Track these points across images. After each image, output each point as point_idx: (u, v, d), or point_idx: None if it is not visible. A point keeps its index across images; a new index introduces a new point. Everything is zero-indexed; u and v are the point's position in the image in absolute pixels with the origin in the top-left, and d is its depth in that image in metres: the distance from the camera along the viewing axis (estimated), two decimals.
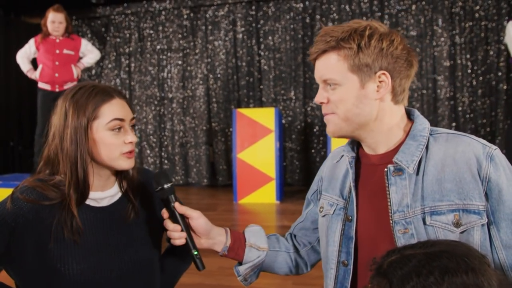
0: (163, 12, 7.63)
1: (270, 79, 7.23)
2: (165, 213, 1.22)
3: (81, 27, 8.03)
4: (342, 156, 1.24)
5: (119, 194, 1.29)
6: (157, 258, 1.33)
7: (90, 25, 7.99)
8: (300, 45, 7.05)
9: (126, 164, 1.23)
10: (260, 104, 7.27)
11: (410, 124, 1.14)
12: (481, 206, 1.01)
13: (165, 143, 7.76)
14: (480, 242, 1.01)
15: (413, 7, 6.67)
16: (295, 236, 1.42)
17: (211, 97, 7.47)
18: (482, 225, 1.01)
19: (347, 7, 6.87)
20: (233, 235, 1.31)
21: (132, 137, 1.21)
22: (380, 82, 1.08)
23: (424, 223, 1.03)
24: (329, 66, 1.10)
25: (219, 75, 7.40)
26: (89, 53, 4.70)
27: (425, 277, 0.73)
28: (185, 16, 7.53)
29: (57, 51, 4.46)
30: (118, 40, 7.91)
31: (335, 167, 1.27)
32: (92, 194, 1.23)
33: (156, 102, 7.78)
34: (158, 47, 7.69)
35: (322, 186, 1.30)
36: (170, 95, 7.70)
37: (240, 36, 7.28)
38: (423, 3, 6.63)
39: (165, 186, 1.21)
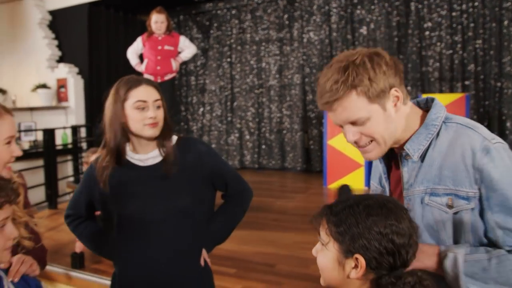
0: (262, 5, 8.29)
1: None
2: None
3: (187, 22, 8.98)
4: None
5: (161, 157, 1.72)
6: (201, 210, 1.77)
7: (195, 20, 8.94)
8: (395, 33, 7.28)
9: (149, 133, 1.66)
10: None
11: (426, 114, 1.28)
12: (471, 193, 1.16)
13: (263, 129, 8.47)
14: (471, 224, 1.18)
15: None
16: None
17: (306, 85, 8.00)
18: (472, 209, 1.17)
19: None
20: None
21: (152, 113, 1.64)
22: (395, 97, 1.22)
23: (422, 202, 1.23)
24: (352, 108, 1.19)
25: (314, 65, 7.88)
26: (187, 48, 5.39)
27: (355, 208, 1.02)
28: (282, 8, 8.12)
29: (159, 47, 5.16)
30: (220, 33, 8.76)
31: None
32: (137, 156, 1.72)
33: (255, 91, 8.51)
34: (257, 38, 8.39)
35: (372, 173, 1.53)
36: (267, 84, 8.37)
37: (335, 26, 7.71)
38: None
39: None
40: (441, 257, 1.17)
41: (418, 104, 1.36)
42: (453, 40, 6.97)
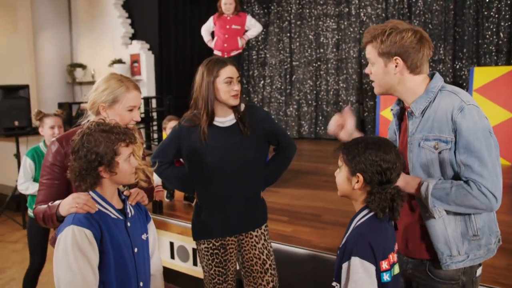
0: None
1: None
2: None
3: None
4: (392, 109, 1.98)
5: (235, 120, 2.33)
6: (261, 160, 2.43)
7: None
8: (451, 6, 7.46)
9: (233, 102, 2.26)
10: None
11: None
12: (449, 138, 1.64)
13: (320, 101, 8.96)
14: (449, 160, 1.66)
15: None
16: None
17: (362, 59, 8.39)
18: (450, 149, 1.64)
19: None
20: None
21: (236, 87, 2.25)
22: (396, 62, 1.72)
23: (419, 145, 1.72)
24: (369, 51, 1.80)
25: None
26: (253, 27, 5.91)
27: (359, 144, 1.56)
28: None
29: (227, 26, 5.72)
30: (280, 9, 9.27)
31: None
32: (219, 119, 2.30)
33: (313, 64, 9.00)
34: (315, 13, 8.81)
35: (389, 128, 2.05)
36: (325, 58, 8.83)
37: (391, 0, 8.01)
38: None
39: None
40: (419, 185, 1.69)
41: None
42: None
